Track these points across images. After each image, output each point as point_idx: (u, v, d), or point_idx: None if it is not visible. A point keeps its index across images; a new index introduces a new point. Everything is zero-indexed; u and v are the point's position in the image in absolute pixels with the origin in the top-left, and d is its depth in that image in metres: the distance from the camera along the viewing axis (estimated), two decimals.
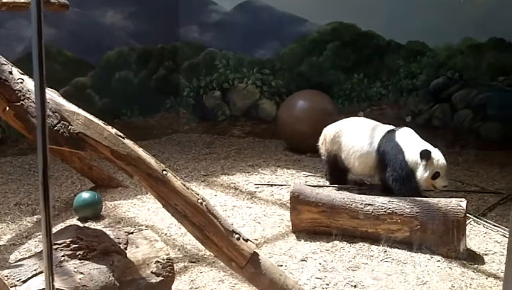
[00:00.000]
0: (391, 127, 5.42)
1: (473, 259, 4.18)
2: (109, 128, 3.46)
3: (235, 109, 7.96)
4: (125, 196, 5.53)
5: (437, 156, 4.94)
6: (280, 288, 3.39)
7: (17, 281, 3.00)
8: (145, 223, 4.81)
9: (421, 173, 4.92)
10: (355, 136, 5.51)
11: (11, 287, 2.97)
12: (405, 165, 5.00)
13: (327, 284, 3.82)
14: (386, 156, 5.16)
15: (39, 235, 4.57)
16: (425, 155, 4.90)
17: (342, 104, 7.47)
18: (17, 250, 4.35)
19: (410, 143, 5.10)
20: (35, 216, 4.99)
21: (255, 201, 5.44)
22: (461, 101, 7.28)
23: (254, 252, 3.41)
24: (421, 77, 7.31)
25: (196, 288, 3.78)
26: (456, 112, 7.29)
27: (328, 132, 5.79)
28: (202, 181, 6.00)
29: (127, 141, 3.45)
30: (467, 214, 4.45)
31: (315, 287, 3.78)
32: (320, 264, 4.12)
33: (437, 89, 7.31)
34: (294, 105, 7.08)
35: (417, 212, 4.37)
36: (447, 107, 7.31)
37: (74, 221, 4.82)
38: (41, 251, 3.42)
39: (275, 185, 5.85)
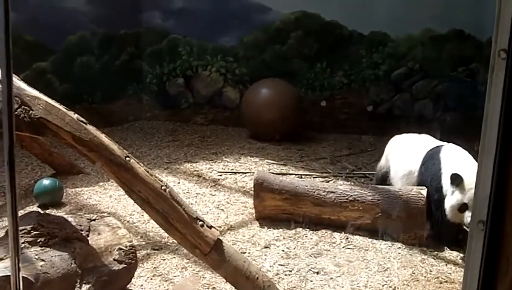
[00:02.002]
0: (440, 143, 4.70)
1: (433, 246, 4.27)
2: (71, 113, 3.40)
3: (199, 96, 7.92)
4: (87, 183, 5.46)
5: (471, 183, 3.84)
6: (243, 275, 3.40)
7: None
8: (107, 211, 4.76)
9: (448, 201, 4.14)
10: (402, 153, 4.87)
11: None
12: (439, 190, 4.27)
13: (290, 271, 3.85)
14: (424, 177, 4.48)
15: None
16: (455, 180, 4.06)
17: (305, 93, 7.50)
18: None
19: (452, 163, 4.28)
20: None
21: (218, 188, 5.43)
22: (421, 91, 7.40)
23: (218, 239, 3.41)
24: (383, 67, 7.40)
25: (159, 275, 3.77)
26: (417, 102, 7.41)
27: (386, 148, 5.20)
28: (165, 169, 5.97)
29: (89, 127, 3.40)
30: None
31: (278, 273, 3.82)
32: (283, 251, 4.15)
33: (398, 79, 7.41)
34: (258, 93, 7.08)
35: (378, 200, 4.44)
36: (408, 97, 7.42)
37: (34, 208, 4.73)
38: (1, 237, 3.36)
39: (239, 172, 5.86)
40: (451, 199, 4.09)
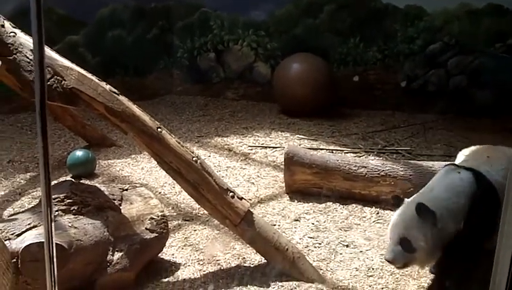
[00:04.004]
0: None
1: None
2: (103, 84, 3.43)
3: (230, 71, 7.89)
4: (119, 155, 5.52)
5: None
6: (273, 246, 3.41)
7: (11, 234, 3.00)
8: (139, 182, 4.80)
9: None
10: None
11: (5, 240, 2.97)
12: None
13: (319, 244, 3.85)
14: None
15: (32, 192, 4.57)
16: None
17: (338, 68, 7.41)
18: (10, 206, 4.34)
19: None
20: (29, 173, 4.98)
21: (249, 162, 5.44)
22: (457, 67, 7.24)
23: (248, 210, 3.43)
24: (418, 42, 7.24)
25: (190, 245, 3.80)
26: (451, 78, 7.26)
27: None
28: (196, 142, 5.98)
29: (122, 98, 3.42)
30: None
31: (307, 246, 3.81)
32: (313, 224, 4.14)
33: (433, 54, 7.25)
34: (290, 68, 7.02)
35: (410, 175, 4.38)
36: (443, 72, 7.27)
37: (67, 179, 4.80)
38: (35, 205, 3.42)
39: (269, 147, 5.85)
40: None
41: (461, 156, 3.71)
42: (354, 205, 4.45)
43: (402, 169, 4.42)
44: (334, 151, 5.59)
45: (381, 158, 5.11)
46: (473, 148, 3.86)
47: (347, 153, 5.60)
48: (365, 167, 4.50)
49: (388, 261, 3.07)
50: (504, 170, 3.21)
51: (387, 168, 4.46)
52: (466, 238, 3.05)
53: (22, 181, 4.83)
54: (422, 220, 2.96)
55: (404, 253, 2.99)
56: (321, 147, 5.83)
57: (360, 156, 5.47)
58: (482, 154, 3.51)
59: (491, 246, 2.90)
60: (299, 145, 5.82)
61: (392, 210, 4.26)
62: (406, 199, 3.16)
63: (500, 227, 1.70)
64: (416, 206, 2.97)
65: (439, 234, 2.99)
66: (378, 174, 4.44)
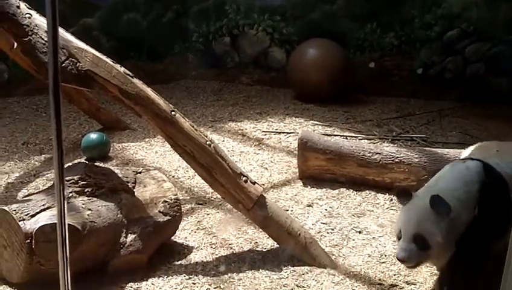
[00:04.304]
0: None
1: None
2: (117, 66, 3.43)
3: (245, 56, 7.86)
4: (133, 138, 5.53)
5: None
6: (286, 230, 3.41)
7: (26, 215, 3.03)
8: (152, 165, 4.81)
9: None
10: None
11: (19, 221, 3.00)
12: None
13: (332, 229, 3.84)
14: None
15: (47, 173, 4.60)
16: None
17: (354, 54, 7.34)
18: (25, 188, 4.38)
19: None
20: (43, 155, 5.01)
21: (262, 148, 5.43)
22: (474, 54, 7.14)
23: (261, 194, 3.42)
24: (435, 29, 7.16)
25: (203, 229, 3.82)
26: (469, 65, 7.17)
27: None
28: (210, 127, 5.98)
29: (136, 80, 3.42)
30: None
31: (320, 231, 3.81)
32: (326, 210, 4.13)
33: (451, 41, 7.16)
34: (305, 53, 6.97)
35: (425, 162, 4.35)
36: (460, 59, 7.18)
37: (81, 161, 4.83)
38: (49, 187, 3.45)
39: (283, 132, 5.83)
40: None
41: (469, 151, 3.57)
42: (367, 191, 4.42)
43: (417, 156, 4.38)
44: (348, 138, 5.56)
45: (395, 145, 5.08)
46: (480, 143, 3.73)
47: (361, 139, 5.57)
48: (379, 154, 4.47)
49: (401, 261, 2.87)
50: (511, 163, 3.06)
51: (401, 155, 4.42)
52: (478, 230, 2.89)
53: (36, 163, 4.87)
54: (436, 213, 2.78)
55: (418, 251, 2.80)
56: (335, 133, 5.80)
57: (374, 143, 5.44)
58: (491, 148, 3.37)
59: (500, 247, 2.91)
60: (314, 131, 5.80)
61: None
62: (413, 193, 2.94)
63: None
64: (430, 199, 2.78)
65: (454, 227, 2.83)
66: (393, 160, 4.41)
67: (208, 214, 4.03)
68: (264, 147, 5.43)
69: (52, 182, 3.62)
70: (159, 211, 3.41)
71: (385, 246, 3.64)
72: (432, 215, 2.79)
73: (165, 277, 3.27)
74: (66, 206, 1.91)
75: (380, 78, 7.32)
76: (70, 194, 3.18)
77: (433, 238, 2.78)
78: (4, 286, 3.12)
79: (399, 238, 2.88)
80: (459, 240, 2.87)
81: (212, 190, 3.76)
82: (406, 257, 2.82)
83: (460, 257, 2.92)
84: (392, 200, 4.28)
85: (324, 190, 4.47)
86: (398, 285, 3.27)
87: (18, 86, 6.64)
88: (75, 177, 3.25)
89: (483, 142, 3.87)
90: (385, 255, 3.54)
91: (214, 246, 3.61)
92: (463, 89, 7.07)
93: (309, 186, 4.53)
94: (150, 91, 3.42)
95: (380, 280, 3.31)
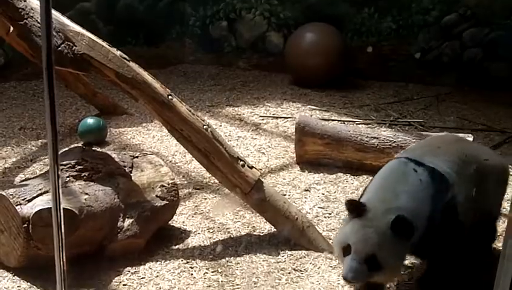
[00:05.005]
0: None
1: None
2: (114, 50, 3.41)
3: (242, 40, 7.82)
4: (130, 123, 5.52)
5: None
6: (283, 215, 3.41)
7: (22, 199, 3.03)
8: (150, 150, 4.80)
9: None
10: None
11: (16, 205, 3.00)
12: None
13: (329, 214, 3.84)
14: None
15: (44, 158, 4.58)
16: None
17: (351, 39, 7.31)
18: (22, 173, 4.37)
19: None
20: (40, 140, 4.99)
21: (259, 132, 5.42)
22: (472, 39, 7.12)
23: (258, 179, 3.42)
24: (433, 13, 7.13)
25: (200, 213, 3.82)
26: (466, 50, 7.15)
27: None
28: (207, 112, 5.96)
29: (132, 64, 3.40)
30: None
31: (317, 215, 3.81)
32: (323, 194, 4.14)
33: (448, 26, 7.14)
34: (302, 38, 6.93)
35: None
36: (458, 44, 7.16)
37: (78, 145, 4.82)
38: (46, 171, 3.44)
39: (280, 117, 5.82)
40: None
41: (413, 145, 3.46)
42: (364, 176, 4.42)
43: (414, 140, 4.38)
44: (345, 123, 5.55)
45: (393, 129, 5.07)
46: (429, 138, 3.69)
47: (359, 124, 5.56)
48: (377, 138, 4.47)
49: (347, 282, 2.66)
50: (451, 162, 2.91)
51: (399, 139, 4.42)
52: (426, 248, 2.77)
53: (33, 148, 4.85)
54: (397, 235, 2.57)
55: (367, 272, 2.58)
56: (333, 118, 5.79)
57: (372, 128, 5.44)
58: (434, 143, 3.26)
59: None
60: (311, 116, 5.78)
61: None
62: (367, 206, 2.67)
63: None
64: (394, 221, 2.55)
65: (409, 247, 2.67)
66: (390, 145, 4.41)
67: (206, 199, 4.03)
68: (261, 132, 5.42)
69: (48, 167, 3.61)
70: (156, 196, 3.41)
71: None
72: (392, 237, 2.58)
73: (163, 261, 3.28)
74: (60, 189, 1.91)
75: (378, 62, 7.30)
76: (67, 179, 3.18)
77: (387, 261, 2.59)
78: (2, 270, 3.13)
79: (344, 252, 2.65)
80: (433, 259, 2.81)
81: (210, 175, 3.76)
82: (355, 279, 2.61)
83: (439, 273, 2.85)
84: None
85: (321, 174, 4.47)
86: None
87: (14, 71, 6.60)
88: (72, 162, 3.25)
89: (432, 137, 3.88)
90: None
91: (211, 231, 3.61)
92: (460, 74, 7.06)
93: (306, 171, 4.53)
94: (146, 75, 3.40)
95: None
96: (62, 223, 1.84)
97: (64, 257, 1.85)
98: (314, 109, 6.08)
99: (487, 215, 3.14)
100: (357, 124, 5.56)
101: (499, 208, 3.30)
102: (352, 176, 4.43)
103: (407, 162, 2.90)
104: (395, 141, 4.41)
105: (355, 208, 2.69)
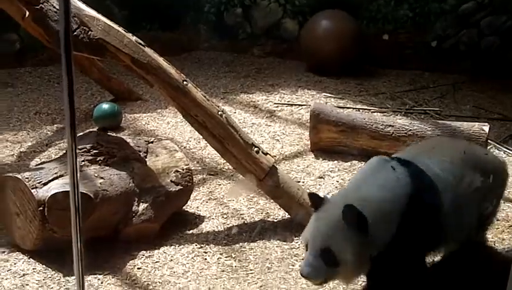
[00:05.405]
0: None
1: None
2: (129, 35, 3.42)
3: (257, 27, 7.78)
4: (145, 109, 5.52)
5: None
6: (297, 201, 3.41)
7: (38, 183, 3.05)
8: (164, 136, 4.81)
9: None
10: None
11: (32, 189, 3.02)
12: None
13: None
14: None
15: (59, 143, 4.62)
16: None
17: (367, 26, 7.25)
18: (37, 157, 4.40)
19: None
20: (55, 125, 5.02)
21: (274, 120, 5.40)
22: (489, 27, 7.03)
23: (273, 165, 3.42)
24: (450, 1, 7.04)
25: (214, 199, 3.83)
26: (484, 38, 7.07)
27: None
28: (221, 98, 5.95)
29: (147, 50, 3.41)
30: (488, 140, 4.40)
31: None
32: (337, 182, 4.12)
33: (465, 14, 7.05)
34: (318, 25, 6.88)
35: (438, 135, 4.31)
36: (475, 33, 7.08)
37: (93, 130, 4.84)
38: (62, 155, 3.46)
39: (295, 104, 5.80)
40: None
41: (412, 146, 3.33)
42: None
43: (430, 128, 4.35)
44: (361, 110, 5.52)
45: (408, 118, 5.03)
46: (425, 140, 3.56)
47: (374, 112, 5.52)
48: (392, 126, 4.44)
49: (304, 277, 2.54)
50: (445, 162, 2.79)
51: (414, 128, 4.39)
52: (400, 249, 2.53)
53: (48, 132, 4.88)
54: (350, 227, 2.42)
55: (325, 267, 2.46)
56: (348, 105, 5.75)
57: (387, 116, 5.40)
58: (429, 144, 3.16)
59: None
60: (326, 103, 5.76)
61: None
62: (328, 198, 2.62)
63: None
64: (343, 210, 2.41)
65: (369, 244, 2.48)
66: (406, 133, 4.38)
67: (220, 185, 4.04)
68: (276, 119, 5.41)
69: (64, 151, 3.63)
70: (171, 181, 3.42)
71: None
72: (344, 228, 2.44)
73: (177, 245, 3.30)
74: (78, 173, 1.91)
75: (394, 50, 7.23)
76: (83, 163, 3.19)
77: (342, 255, 2.44)
78: (17, 252, 3.16)
79: (306, 248, 2.56)
80: (377, 257, 2.52)
81: (224, 161, 3.76)
82: (311, 274, 2.48)
83: (379, 276, 2.62)
84: None
85: (336, 162, 4.46)
86: None
87: (30, 56, 6.63)
88: (87, 146, 3.26)
89: (429, 139, 3.77)
90: None
91: (225, 216, 3.63)
92: (477, 63, 6.98)
93: (321, 159, 4.52)
94: (161, 60, 3.40)
95: None
96: (80, 206, 1.84)
97: (81, 240, 1.85)
98: (329, 97, 6.04)
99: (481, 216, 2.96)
100: (372, 112, 5.52)
101: (495, 208, 3.15)
102: None
103: (389, 160, 2.78)
104: (410, 129, 4.38)
105: (314, 200, 2.62)
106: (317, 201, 2.60)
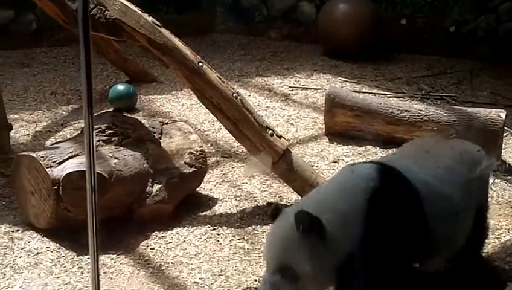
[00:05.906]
0: None
1: (505, 170, 4.10)
2: (146, 16, 3.41)
3: (273, 10, 7.73)
4: (160, 91, 5.53)
5: None
6: (311, 185, 3.39)
7: (53, 162, 3.07)
8: (179, 118, 4.81)
9: None
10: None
11: (47, 167, 3.04)
12: None
13: None
14: None
15: (74, 123, 4.64)
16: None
17: (385, 10, 7.16)
18: (52, 137, 4.43)
19: None
20: (71, 106, 5.04)
21: (289, 103, 5.38)
22: (508, 13, 6.92)
23: (287, 148, 3.41)
24: None
25: (227, 181, 3.83)
26: (502, 24, 6.96)
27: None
28: (237, 81, 5.93)
29: (164, 30, 3.40)
30: (505, 127, 4.35)
31: None
32: None
33: None
34: (335, 8, 6.82)
35: (454, 121, 4.27)
36: (493, 18, 6.98)
37: (108, 110, 4.85)
38: (77, 135, 3.47)
39: (310, 88, 5.77)
40: None
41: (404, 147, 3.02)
42: (394, 149, 4.33)
43: (446, 114, 4.31)
44: (376, 95, 5.48)
45: (425, 103, 4.99)
46: (419, 139, 3.38)
47: (390, 97, 5.48)
48: (408, 111, 4.40)
49: None
50: (440, 169, 2.59)
51: (430, 113, 4.35)
52: (367, 259, 2.26)
53: (64, 113, 4.91)
54: (304, 234, 2.17)
55: (285, 284, 2.22)
56: (364, 90, 5.71)
57: (403, 101, 5.36)
58: (421, 147, 2.86)
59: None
60: (341, 87, 5.72)
61: None
62: (283, 209, 2.36)
63: None
64: (295, 216, 2.18)
65: (330, 252, 2.23)
66: (421, 118, 4.35)
67: (233, 167, 4.04)
68: (291, 103, 5.39)
69: (79, 131, 3.65)
70: (185, 162, 3.43)
71: None
72: (299, 238, 2.19)
73: (190, 227, 3.31)
74: (95, 153, 1.91)
75: (411, 35, 7.15)
76: (97, 143, 3.20)
77: (301, 268, 2.20)
78: (31, 231, 3.19)
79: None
80: (342, 268, 2.27)
81: (238, 144, 3.76)
82: None
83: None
84: None
85: (350, 146, 4.44)
86: None
87: (46, 36, 6.65)
88: (103, 126, 3.28)
89: (423, 138, 3.56)
90: None
91: (238, 199, 3.63)
92: (495, 49, 6.88)
93: (335, 143, 4.50)
94: (177, 41, 3.39)
95: None
96: (95, 185, 1.84)
97: (96, 220, 1.86)
98: (345, 81, 6.00)
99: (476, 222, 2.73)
100: (388, 97, 5.48)
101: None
102: (382, 149, 4.38)
103: (357, 166, 2.59)
104: (426, 115, 4.34)
105: (271, 213, 2.39)
106: (273, 213, 2.38)
